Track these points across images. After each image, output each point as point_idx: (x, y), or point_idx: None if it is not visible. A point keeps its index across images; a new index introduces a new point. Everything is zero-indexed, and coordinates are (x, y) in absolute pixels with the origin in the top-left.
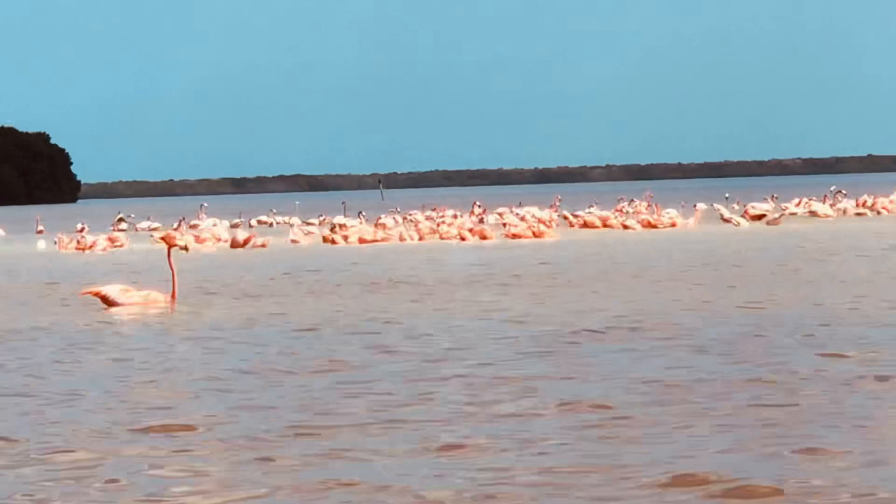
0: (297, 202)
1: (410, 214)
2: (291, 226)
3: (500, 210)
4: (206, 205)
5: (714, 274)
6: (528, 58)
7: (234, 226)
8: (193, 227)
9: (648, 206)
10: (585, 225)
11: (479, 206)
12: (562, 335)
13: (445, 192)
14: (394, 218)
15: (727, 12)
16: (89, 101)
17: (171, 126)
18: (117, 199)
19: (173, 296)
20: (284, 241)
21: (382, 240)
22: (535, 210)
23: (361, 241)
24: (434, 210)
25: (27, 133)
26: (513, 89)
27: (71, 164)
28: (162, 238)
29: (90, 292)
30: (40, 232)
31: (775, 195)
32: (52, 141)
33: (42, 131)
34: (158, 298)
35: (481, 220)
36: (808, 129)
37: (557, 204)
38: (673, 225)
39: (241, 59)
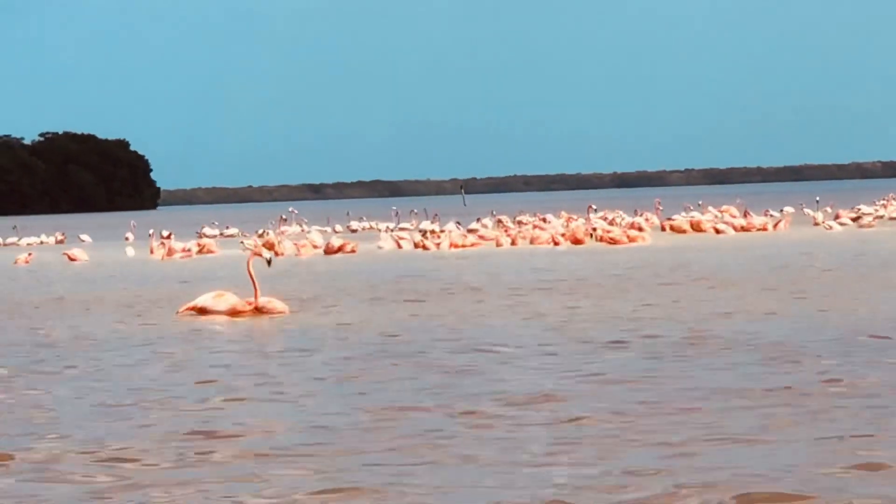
0: (292, 209)
1: (504, 219)
2: (380, 230)
3: (601, 214)
4: (295, 211)
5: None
6: (607, 61)
7: (335, 231)
8: (281, 233)
9: (743, 212)
10: (673, 229)
11: (594, 209)
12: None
13: (525, 196)
14: (482, 223)
15: (806, 14)
16: (168, 108)
17: (250, 132)
18: (196, 205)
19: (256, 301)
20: (371, 247)
21: (472, 245)
22: (622, 214)
23: (452, 245)
24: (535, 215)
25: (107, 140)
26: (591, 93)
27: (150, 170)
28: (253, 249)
29: (186, 310)
30: (126, 238)
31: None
32: (131, 148)
33: (122, 138)
34: (242, 307)
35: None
36: (888, 132)
37: (660, 208)
38: (764, 229)
39: (320, 62)
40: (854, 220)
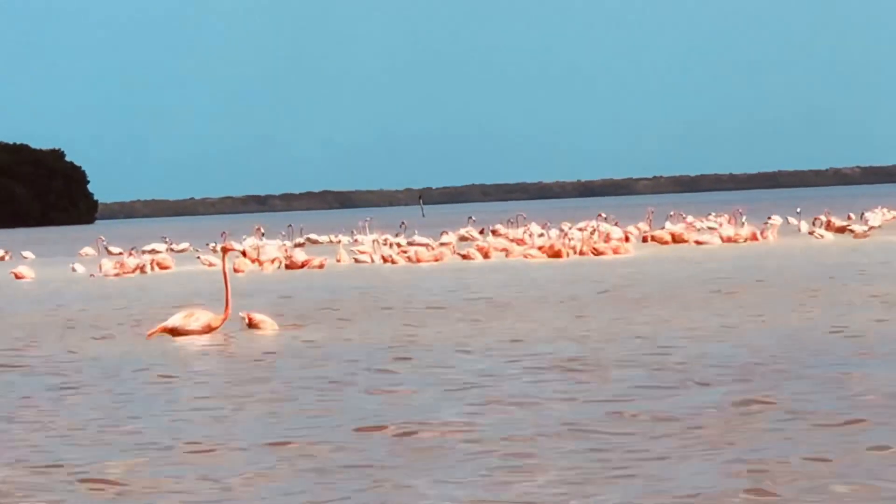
0: (256, 226)
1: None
2: (339, 242)
3: (579, 225)
4: (260, 228)
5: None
6: (569, 65)
7: (297, 245)
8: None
9: (731, 220)
10: (654, 240)
11: (604, 216)
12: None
13: (484, 206)
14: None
15: (779, 15)
16: (104, 117)
17: (190, 141)
18: (136, 218)
19: (226, 311)
20: (331, 261)
21: (436, 259)
22: (605, 225)
23: (420, 259)
24: (521, 224)
25: (41, 150)
26: (553, 97)
27: (88, 182)
28: (222, 247)
29: (156, 332)
30: (83, 255)
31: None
32: (67, 159)
33: (57, 148)
34: (210, 320)
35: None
36: (867, 135)
37: (651, 218)
38: (754, 238)
39: (263, 71)
40: (842, 230)
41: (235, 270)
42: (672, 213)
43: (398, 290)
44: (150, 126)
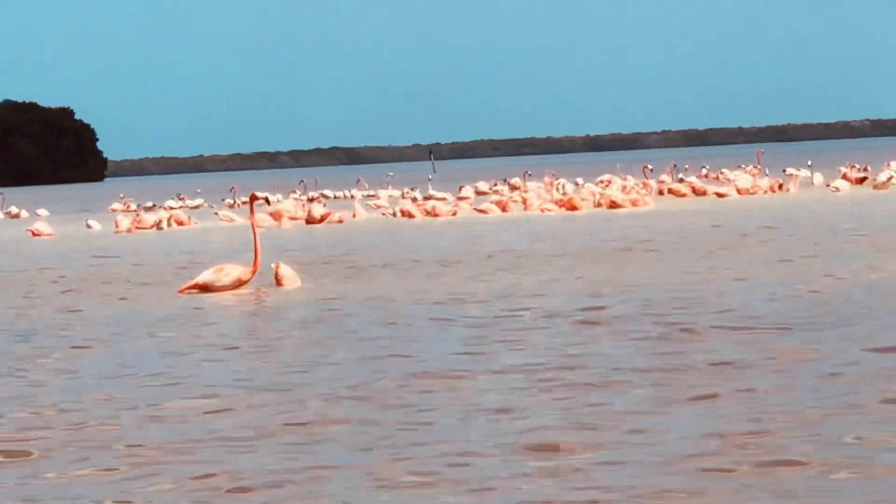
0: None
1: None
2: (353, 198)
3: (599, 178)
4: (274, 181)
5: None
6: (577, 19)
7: (311, 200)
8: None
9: (759, 172)
10: (671, 192)
11: (651, 169)
12: None
13: (494, 162)
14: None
15: None
16: (113, 74)
17: (199, 98)
18: (146, 176)
19: (255, 264)
20: (348, 215)
21: (453, 213)
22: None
23: (437, 214)
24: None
25: (50, 109)
26: (562, 52)
27: (97, 140)
28: (250, 196)
29: (187, 288)
30: (114, 210)
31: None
32: (76, 117)
33: (66, 106)
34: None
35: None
36: (876, 88)
37: (649, 171)
38: (772, 190)
39: (272, 25)
40: (861, 181)
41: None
42: (687, 166)
43: (423, 243)
44: (159, 84)
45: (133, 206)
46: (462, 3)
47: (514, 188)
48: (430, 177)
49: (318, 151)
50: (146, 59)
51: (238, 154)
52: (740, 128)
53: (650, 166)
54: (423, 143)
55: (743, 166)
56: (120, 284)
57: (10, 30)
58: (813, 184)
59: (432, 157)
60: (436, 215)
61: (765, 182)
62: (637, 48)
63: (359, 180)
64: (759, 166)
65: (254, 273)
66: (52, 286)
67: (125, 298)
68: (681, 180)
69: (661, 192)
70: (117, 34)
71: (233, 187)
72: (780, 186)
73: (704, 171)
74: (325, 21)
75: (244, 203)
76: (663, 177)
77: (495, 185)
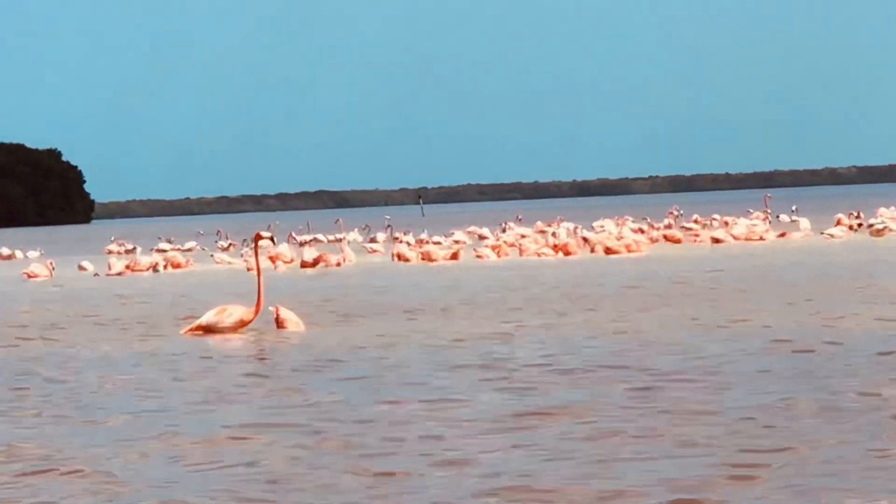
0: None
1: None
2: (342, 240)
3: (597, 224)
4: (277, 222)
5: None
6: (564, 64)
7: (302, 244)
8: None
9: (766, 217)
10: (666, 239)
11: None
12: None
13: (482, 206)
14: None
15: (775, 15)
16: (101, 117)
17: (186, 141)
18: (132, 218)
19: (258, 304)
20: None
21: (451, 257)
22: (609, 224)
23: (433, 258)
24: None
25: (37, 150)
26: (548, 97)
27: (84, 182)
28: (255, 235)
29: (191, 329)
30: (109, 252)
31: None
32: (63, 158)
33: (53, 148)
34: (244, 315)
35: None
36: (862, 135)
37: (676, 214)
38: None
39: (260, 71)
40: (855, 228)
41: (248, 269)
42: (678, 211)
43: (425, 288)
44: (146, 126)
45: (127, 248)
46: (448, 48)
47: (541, 232)
48: (387, 223)
49: (304, 195)
50: (133, 102)
51: (225, 197)
52: (727, 174)
53: (680, 210)
54: (410, 186)
55: (750, 211)
56: (133, 326)
57: None
58: (800, 230)
59: (421, 200)
60: (431, 259)
61: (760, 228)
62: (624, 94)
63: (338, 220)
64: (767, 210)
65: (256, 314)
66: (49, 329)
67: (129, 340)
68: (680, 227)
69: (653, 240)
70: (105, 76)
71: (219, 230)
72: (782, 233)
73: (714, 219)
74: (313, 65)
75: (233, 245)
76: (666, 221)
77: (503, 225)
